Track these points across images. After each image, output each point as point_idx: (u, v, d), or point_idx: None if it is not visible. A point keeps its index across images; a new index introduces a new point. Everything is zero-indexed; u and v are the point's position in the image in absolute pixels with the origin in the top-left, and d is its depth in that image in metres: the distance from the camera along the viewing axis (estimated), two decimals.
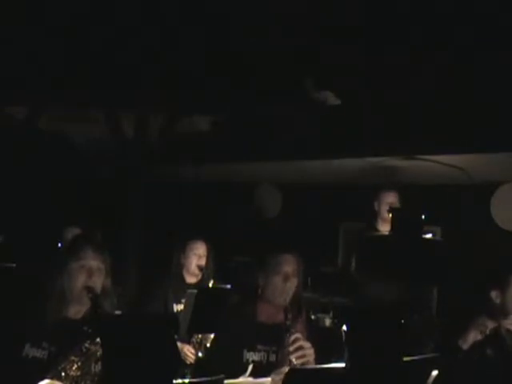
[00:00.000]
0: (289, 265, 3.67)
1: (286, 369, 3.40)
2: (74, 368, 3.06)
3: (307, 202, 8.89)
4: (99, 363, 3.07)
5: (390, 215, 5.81)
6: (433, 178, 7.77)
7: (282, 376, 3.35)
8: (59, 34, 7.04)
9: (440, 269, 5.68)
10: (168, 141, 8.36)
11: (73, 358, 3.06)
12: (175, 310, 5.25)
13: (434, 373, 2.99)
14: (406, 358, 2.83)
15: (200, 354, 4.82)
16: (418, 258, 5.50)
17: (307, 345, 3.54)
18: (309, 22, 6.71)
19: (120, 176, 8.63)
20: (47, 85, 7.46)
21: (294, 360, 3.47)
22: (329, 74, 7.31)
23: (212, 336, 4.36)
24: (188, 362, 4.86)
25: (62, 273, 3.27)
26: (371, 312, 3.19)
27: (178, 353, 4.09)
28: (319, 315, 6.80)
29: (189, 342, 4.90)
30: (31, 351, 3.15)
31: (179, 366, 4.52)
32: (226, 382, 2.77)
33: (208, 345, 4.56)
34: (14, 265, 5.53)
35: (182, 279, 5.43)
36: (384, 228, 6.14)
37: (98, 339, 3.03)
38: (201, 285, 5.32)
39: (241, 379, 3.33)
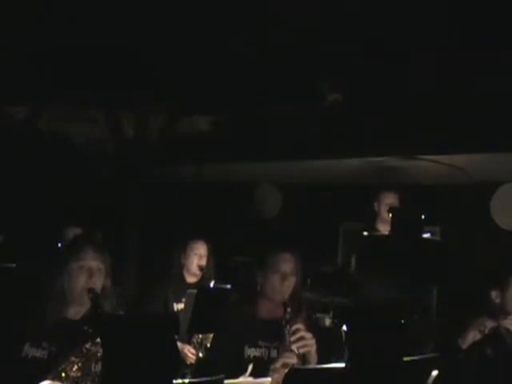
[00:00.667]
0: (287, 263, 3.69)
1: (288, 355, 3.43)
2: (74, 369, 3.06)
3: (307, 201, 8.89)
4: (99, 364, 3.07)
5: (390, 215, 5.81)
6: (433, 178, 7.77)
7: (282, 362, 3.38)
8: (59, 34, 7.04)
9: (440, 269, 5.69)
10: (168, 141, 8.36)
11: (73, 358, 3.06)
12: (175, 309, 5.25)
13: (434, 373, 2.99)
14: (406, 358, 2.83)
15: (200, 354, 4.82)
16: (417, 258, 5.51)
17: (308, 335, 3.55)
18: (310, 21, 6.71)
19: (120, 176, 8.63)
20: (47, 85, 7.46)
21: (295, 350, 3.48)
22: (329, 74, 7.31)
23: (212, 335, 4.36)
24: (188, 362, 4.87)
25: (61, 273, 3.27)
26: (371, 312, 3.20)
27: (178, 353, 4.09)
28: (319, 315, 6.79)
29: (189, 342, 4.90)
30: (31, 351, 3.15)
31: (179, 366, 4.53)
32: (226, 382, 2.77)
33: (208, 345, 4.56)
34: (14, 265, 5.53)
35: (183, 279, 5.43)
36: (384, 228, 6.14)
37: (99, 339, 3.03)
38: (201, 285, 5.32)
39: (241, 379, 3.32)
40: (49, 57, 7.21)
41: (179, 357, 4.59)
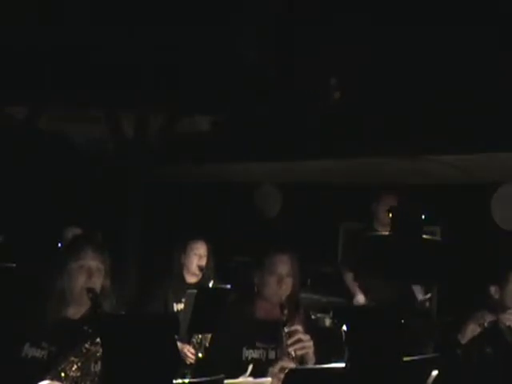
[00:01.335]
0: (283, 265, 3.68)
1: (285, 359, 3.43)
2: (73, 368, 3.06)
3: (307, 201, 8.88)
4: (99, 363, 3.07)
5: (390, 215, 5.81)
6: (433, 178, 7.77)
7: (280, 367, 3.38)
8: (59, 34, 7.04)
9: (440, 269, 5.69)
10: (168, 141, 8.37)
11: (73, 358, 3.06)
12: (175, 309, 5.25)
13: (434, 373, 2.99)
14: (406, 358, 2.83)
15: (200, 355, 4.82)
16: (417, 258, 5.51)
17: (306, 337, 3.55)
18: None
19: (120, 176, 8.63)
20: (47, 85, 7.46)
21: (292, 352, 3.48)
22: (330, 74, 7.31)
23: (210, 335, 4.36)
24: (188, 362, 4.87)
25: (61, 273, 3.27)
26: (371, 312, 3.20)
27: (177, 353, 4.09)
28: (319, 315, 6.79)
29: (189, 342, 4.90)
30: (31, 351, 3.15)
31: (179, 366, 4.53)
32: (226, 382, 2.77)
33: (207, 345, 4.56)
34: (14, 265, 5.53)
35: (183, 279, 5.43)
36: (382, 230, 6.15)
37: (98, 339, 3.03)
38: (201, 285, 5.32)
39: (241, 379, 3.33)
40: (49, 57, 7.21)
41: (179, 357, 4.59)
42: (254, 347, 3.62)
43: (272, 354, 3.62)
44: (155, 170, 8.61)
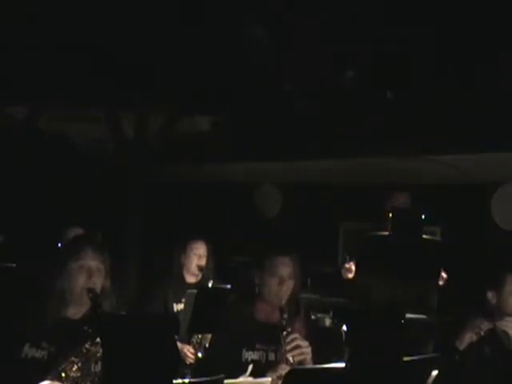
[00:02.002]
0: (284, 267, 3.67)
1: (284, 367, 3.44)
2: (73, 369, 3.06)
3: (307, 201, 8.89)
4: (99, 364, 3.07)
5: (391, 215, 5.80)
6: (433, 178, 7.77)
7: (279, 374, 3.38)
8: (59, 34, 7.04)
9: (440, 269, 5.69)
10: (168, 141, 8.37)
11: (73, 358, 3.06)
12: (175, 309, 5.25)
13: (434, 373, 2.99)
14: (406, 358, 2.83)
15: (200, 355, 4.82)
16: (418, 258, 5.50)
17: (305, 344, 3.55)
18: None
19: (120, 176, 8.63)
20: (47, 85, 7.46)
21: (290, 359, 3.48)
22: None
23: (210, 336, 4.36)
24: (188, 362, 4.87)
25: (61, 273, 3.27)
26: (371, 312, 3.19)
27: (178, 353, 4.09)
28: (319, 315, 6.80)
29: (189, 342, 4.90)
30: (31, 351, 3.15)
31: (179, 366, 4.52)
32: (226, 382, 2.77)
33: (207, 345, 4.56)
34: (14, 265, 5.53)
35: (182, 279, 5.43)
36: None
37: (98, 339, 3.03)
38: (201, 285, 5.32)
39: (241, 379, 3.33)
40: (49, 57, 7.21)
41: (179, 357, 4.59)
42: (253, 349, 3.61)
43: (272, 356, 3.62)
44: (155, 169, 8.61)
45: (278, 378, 3.36)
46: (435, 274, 5.71)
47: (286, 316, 3.56)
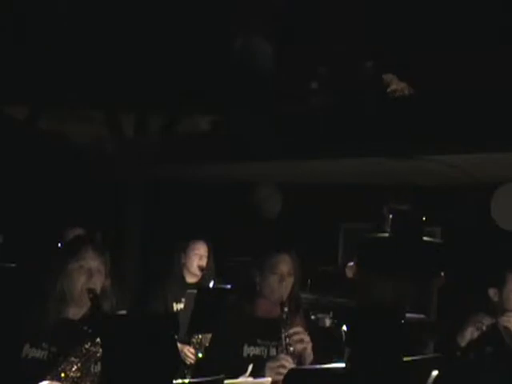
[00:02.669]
0: (284, 265, 3.71)
1: (284, 357, 3.45)
2: (73, 369, 3.06)
3: (307, 202, 8.88)
4: (99, 364, 3.07)
5: (391, 216, 5.81)
6: (433, 178, 7.77)
7: (278, 363, 3.39)
8: (59, 34, 7.04)
9: (440, 270, 5.69)
10: (168, 141, 8.36)
11: (73, 359, 3.06)
12: (175, 310, 5.25)
13: (434, 373, 2.99)
14: (406, 358, 2.83)
15: (200, 355, 4.82)
16: (417, 259, 5.51)
17: (304, 333, 3.60)
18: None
19: (120, 176, 8.63)
20: (47, 85, 7.46)
21: (291, 348, 3.51)
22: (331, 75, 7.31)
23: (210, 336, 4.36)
24: (188, 363, 4.87)
25: (61, 273, 3.27)
26: (371, 312, 3.20)
27: (177, 353, 4.09)
28: (319, 315, 6.79)
29: (189, 343, 4.90)
30: (31, 351, 3.15)
31: (179, 366, 4.52)
32: (226, 382, 2.77)
33: (207, 344, 4.56)
34: (14, 265, 5.53)
35: (183, 279, 5.43)
36: None
37: (98, 340, 3.03)
38: (201, 285, 5.32)
39: (241, 379, 3.33)
40: (49, 57, 7.21)
41: (179, 357, 4.59)
42: (255, 344, 3.64)
43: (273, 351, 3.64)
44: (155, 169, 8.61)
45: (279, 366, 3.39)
46: (435, 275, 5.72)
47: (286, 310, 3.60)
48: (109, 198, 8.86)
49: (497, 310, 4.13)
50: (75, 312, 3.26)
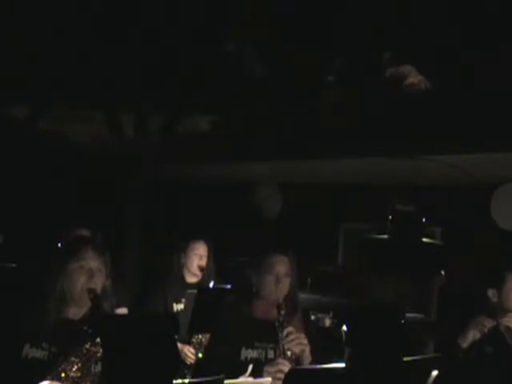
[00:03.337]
0: (281, 265, 3.69)
1: (282, 362, 3.44)
2: (74, 369, 3.06)
3: (307, 201, 8.88)
4: (99, 364, 3.07)
5: (391, 216, 5.80)
6: (433, 178, 7.77)
7: (276, 368, 3.39)
8: (59, 34, 7.05)
9: (439, 270, 5.69)
10: (168, 141, 8.36)
11: (73, 359, 3.06)
12: (175, 310, 5.25)
13: (434, 373, 2.99)
14: (406, 358, 2.83)
15: (200, 355, 4.82)
16: (417, 260, 5.51)
17: (301, 336, 3.57)
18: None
19: (120, 176, 8.63)
20: (47, 85, 7.47)
21: (288, 353, 3.50)
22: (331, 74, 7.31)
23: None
24: (188, 363, 4.87)
25: (61, 273, 3.27)
26: (371, 312, 3.20)
27: (177, 353, 4.09)
28: (319, 315, 6.79)
29: (189, 343, 4.90)
30: (31, 351, 3.15)
31: (179, 366, 4.52)
32: (226, 382, 2.77)
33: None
34: (14, 265, 5.53)
35: (183, 279, 5.43)
36: None
37: (98, 340, 3.03)
38: (201, 285, 5.32)
39: (241, 379, 3.33)
40: (49, 57, 7.21)
41: (179, 357, 4.58)
42: (252, 347, 3.62)
43: (271, 354, 3.62)
44: (155, 169, 8.61)
45: (276, 372, 3.38)
46: (435, 275, 5.72)
47: (283, 312, 3.57)
48: (109, 198, 8.86)
49: (496, 311, 4.12)
50: (75, 312, 3.26)
